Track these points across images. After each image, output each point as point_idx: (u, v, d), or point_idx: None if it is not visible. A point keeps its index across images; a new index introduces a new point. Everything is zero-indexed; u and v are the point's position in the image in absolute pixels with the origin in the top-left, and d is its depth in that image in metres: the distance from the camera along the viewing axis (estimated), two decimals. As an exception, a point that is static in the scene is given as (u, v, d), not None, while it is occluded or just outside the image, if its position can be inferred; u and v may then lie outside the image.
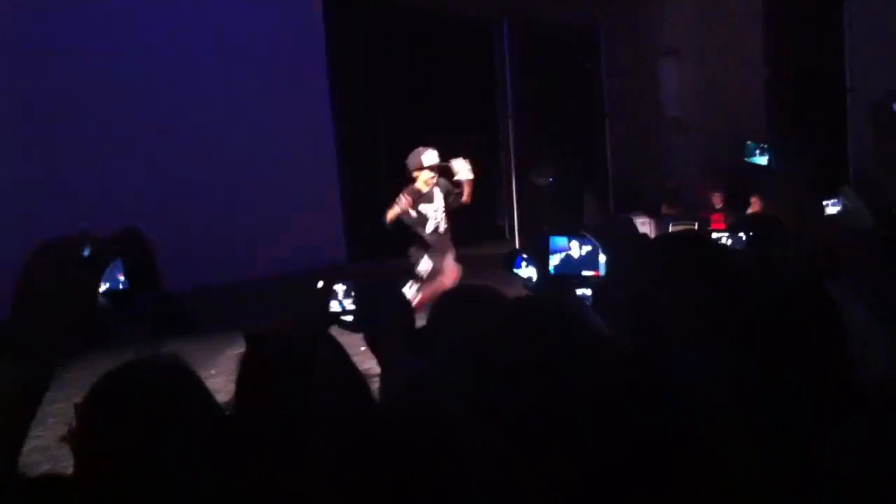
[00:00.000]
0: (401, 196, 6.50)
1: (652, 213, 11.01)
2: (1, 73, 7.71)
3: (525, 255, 1.97)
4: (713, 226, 8.24)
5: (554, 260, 1.79)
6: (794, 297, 1.25)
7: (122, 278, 1.09)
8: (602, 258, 1.74)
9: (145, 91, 8.69)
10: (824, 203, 3.47)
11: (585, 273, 1.77)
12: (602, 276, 1.73)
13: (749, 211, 8.24)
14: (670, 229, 7.80)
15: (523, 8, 12.01)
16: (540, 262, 1.81)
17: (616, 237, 1.70)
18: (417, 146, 6.57)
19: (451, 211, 6.75)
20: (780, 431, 1.04)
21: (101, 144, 8.30)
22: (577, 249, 1.79)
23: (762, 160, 2.23)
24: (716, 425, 0.93)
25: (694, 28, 12.98)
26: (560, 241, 1.80)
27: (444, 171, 6.57)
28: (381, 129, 11.03)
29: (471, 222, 9.26)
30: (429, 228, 6.72)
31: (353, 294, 1.62)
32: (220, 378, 5.36)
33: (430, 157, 6.49)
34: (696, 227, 7.69)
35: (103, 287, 1.08)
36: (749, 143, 2.26)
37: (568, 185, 12.19)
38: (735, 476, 0.92)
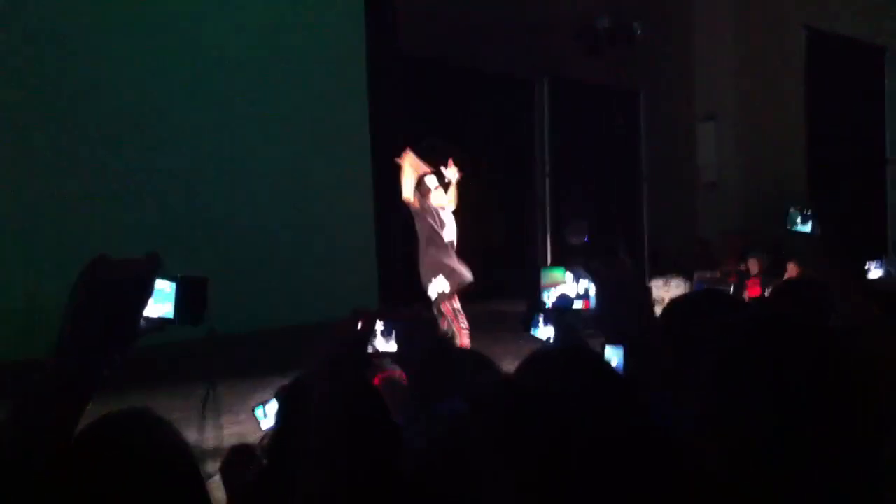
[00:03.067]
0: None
1: (687, 276, 10.91)
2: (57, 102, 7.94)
3: (542, 313, 1.96)
4: (749, 291, 8.15)
5: (551, 295, 1.86)
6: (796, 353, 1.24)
7: (170, 308, 1.12)
8: (593, 292, 1.80)
9: (186, 140, 8.87)
10: (867, 267, 3.48)
11: (577, 304, 1.85)
12: (593, 308, 1.78)
13: (786, 277, 8.13)
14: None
15: (564, 68, 12.15)
16: (533, 294, 1.87)
17: (608, 278, 1.69)
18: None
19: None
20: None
21: (133, 192, 8.44)
22: (571, 283, 1.86)
23: (805, 228, 2.18)
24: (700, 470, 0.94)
25: (732, 93, 13.01)
26: (555, 273, 1.86)
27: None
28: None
29: (504, 278, 9.26)
30: (447, 236, 6.74)
31: (392, 334, 1.62)
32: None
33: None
34: (731, 291, 7.62)
35: (149, 311, 1.10)
36: (792, 210, 2.19)
37: (603, 245, 12.16)
38: None
